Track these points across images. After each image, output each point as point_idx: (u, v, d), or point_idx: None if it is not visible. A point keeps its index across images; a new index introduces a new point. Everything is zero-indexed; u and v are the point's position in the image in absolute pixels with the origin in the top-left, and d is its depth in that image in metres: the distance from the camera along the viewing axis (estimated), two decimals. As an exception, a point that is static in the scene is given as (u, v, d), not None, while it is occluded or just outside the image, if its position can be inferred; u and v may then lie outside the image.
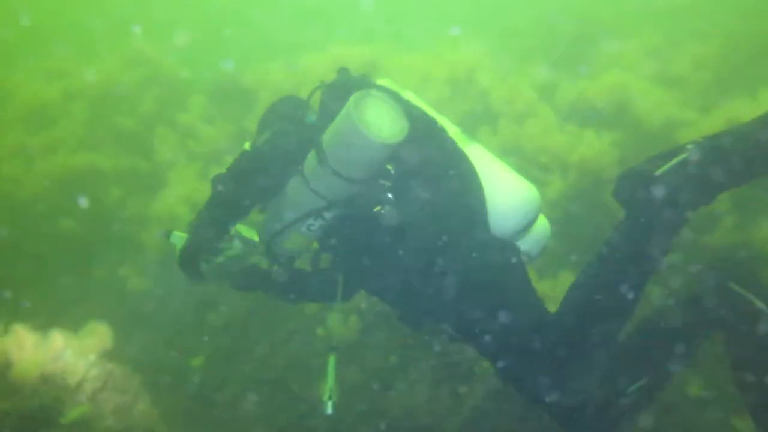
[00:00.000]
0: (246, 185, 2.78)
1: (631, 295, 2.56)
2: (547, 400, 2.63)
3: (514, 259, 2.71)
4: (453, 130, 2.81)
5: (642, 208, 2.51)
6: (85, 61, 7.42)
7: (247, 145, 2.93)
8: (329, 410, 2.69)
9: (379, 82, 2.93)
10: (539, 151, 4.59)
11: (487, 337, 2.65)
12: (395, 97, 2.66)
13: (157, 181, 5.95)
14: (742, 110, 4.52)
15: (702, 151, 2.48)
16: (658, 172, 2.49)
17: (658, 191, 2.47)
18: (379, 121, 2.50)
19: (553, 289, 4.31)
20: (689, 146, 2.51)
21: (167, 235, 3.08)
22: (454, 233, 2.63)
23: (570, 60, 6.62)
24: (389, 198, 2.66)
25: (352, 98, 2.51)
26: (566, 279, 4.34)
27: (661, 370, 2.71)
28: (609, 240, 2.61)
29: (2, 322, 4.33)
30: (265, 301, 4.79)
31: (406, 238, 2.65)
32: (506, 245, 2.70)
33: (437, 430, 4.09)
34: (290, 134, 2.82)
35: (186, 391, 4.62)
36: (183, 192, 5.59)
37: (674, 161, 2.50)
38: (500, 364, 2.73)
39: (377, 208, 2.64)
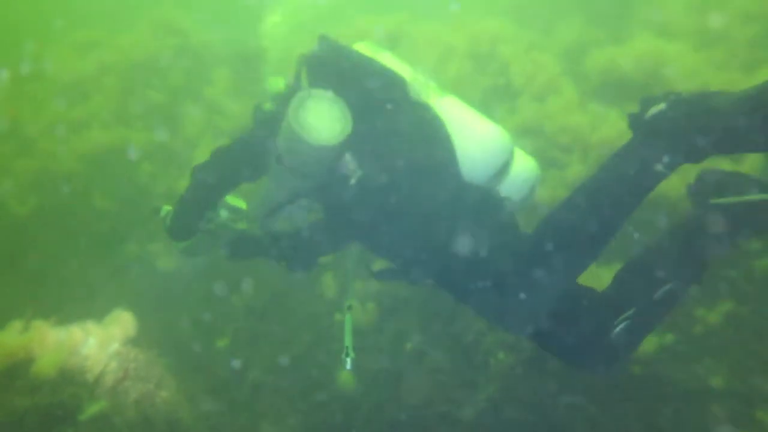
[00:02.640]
0: (218, 177, 3.11)
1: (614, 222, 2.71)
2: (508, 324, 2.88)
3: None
4: (425, 86, 2.94)
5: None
6: (117, 31, 7.42)
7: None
8: (348, 366, 2.93)
9: (356, 46, 3.09)
10: (560, 131, 4.43)
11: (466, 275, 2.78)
12: (356, 59, 2.87)
13: (185, 158, 6.00)
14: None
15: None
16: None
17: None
18: (319, 124, 2.64)
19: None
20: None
21: (158, 210, 3.37)
22: (427, 187, 2.74)
23: (605, 20, 6.28)
24: (354, 171, 2.79)
25: (292, 103, 2.67)
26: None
27: (648, 300, 2.73)
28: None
29: (32, 308, 4.54)
30: (286, 284, 4.88)
31: (382, 204, 2.77)
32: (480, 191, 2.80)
33: (454, 418, 4.13)
34: (242, 145, 3.09)
35: (210, 373, 4.76)
36: (207, 171, 5.60)
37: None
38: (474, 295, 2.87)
39: (350, 182, 2.77)
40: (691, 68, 4.93)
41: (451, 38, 5.23)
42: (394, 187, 2.74)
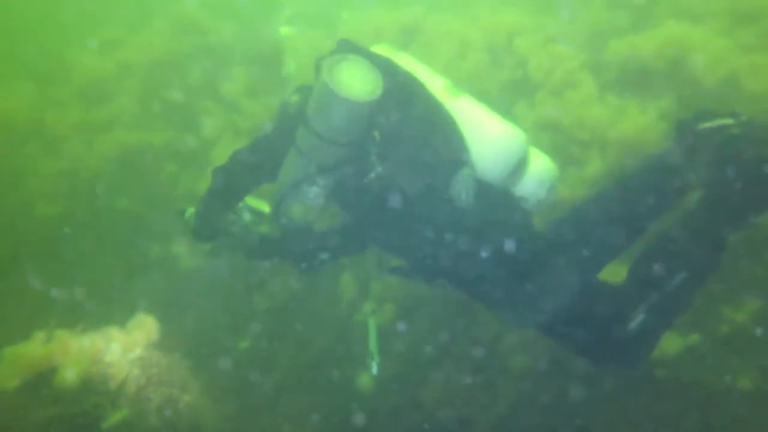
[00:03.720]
0: (237, 179, 3.14)
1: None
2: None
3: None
4: (441, 85, 2.94)
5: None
6: (137, 29, 7.44)
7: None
8: (375, 371, 3.03)
9: (375, 48, 3.10)
10: (578, 126, 4.33)
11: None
12: (375, 59, 2.83)
13: (205, 158, 6.02)
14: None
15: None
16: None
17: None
18: (352, 82, 2.65)
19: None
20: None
21: (182, 213, 3.41)
22: (441, 187, 2.73)
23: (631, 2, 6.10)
24: (375, 164, 2.82)
25: (325, 62, 2.68)
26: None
27: (663, 291, 2.69)
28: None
29: (57, 312, 4.63)
30: (306, 285, 4.88)
31: (398, 199, 2.79)
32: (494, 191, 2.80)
33: (474, 423, 4.10)
34: (261, 146, 3.13)
35: (233, 374, 4.80)
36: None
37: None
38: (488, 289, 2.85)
39: (369, 176, 2.81)
40: (716, 55, 4.77)
41: (467, 32, 5.12)
42: (407, 186, 2.77)
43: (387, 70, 2.83)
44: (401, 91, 2.82)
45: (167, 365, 4.36)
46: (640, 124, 4.13)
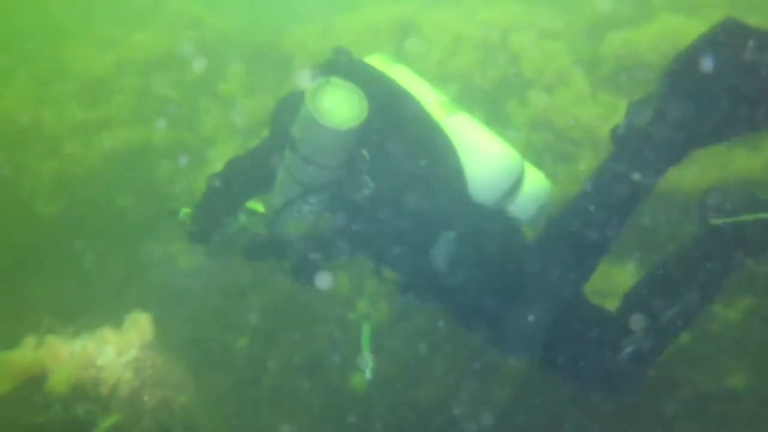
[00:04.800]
0: (231, 190, 3.15)
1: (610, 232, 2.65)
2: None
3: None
4: (436, 101, 2.91)
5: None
6: (135, 26, 7.44)
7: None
8: (368, 375, 2.98)
9: (369, 59, 3.11)
10: (569, 125, 4.30)
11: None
12: (365, 74, 2.84)
13: (202, 156, 6.03)
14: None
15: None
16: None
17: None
18: (335, 107, 2.60)
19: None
20: None
21: (176, 213, 3.43)
22: (434, 206, 2.73)
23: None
24: (367, 181, 2.78)
25: (310, 88, 2.63)
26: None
27: (655, 322, 2.67)
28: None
29: (52, 310, 4.63)
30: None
31: (390, 217, 2.78)
32: (488, 212, 2.77)
33: (466, 421, 4.11)
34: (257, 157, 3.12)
35: (230, 373, 4.83)
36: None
37: None
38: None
39: (360, 195, 2.79)
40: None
41: (462, 27, 5.09)
42: (399, 204, 2.74)
43: (377, 89, 2.80)
44: (390, 112, 2.80)
45: (162, 366, 4.34)
46: (631, 121, 4.08)
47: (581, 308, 2.81)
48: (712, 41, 2.42)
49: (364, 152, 2.78)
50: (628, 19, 5.31)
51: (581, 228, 2.66)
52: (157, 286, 5.56)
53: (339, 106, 2.61)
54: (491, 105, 4.68)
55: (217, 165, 5.67)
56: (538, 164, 4.58)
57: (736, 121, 2.44)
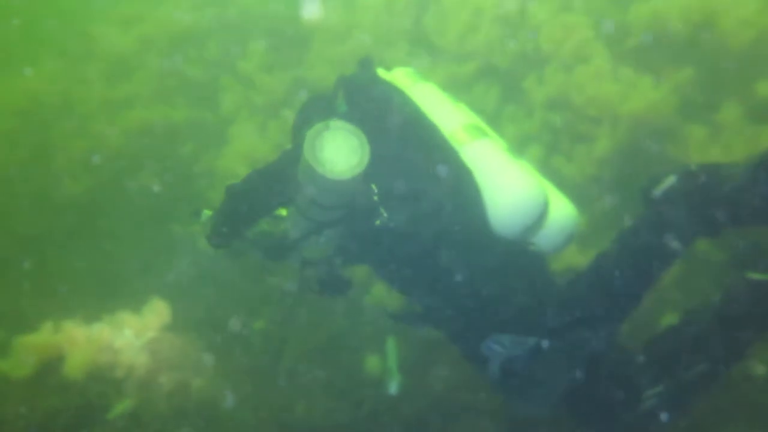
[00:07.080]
0: (251, 206, 3.05)
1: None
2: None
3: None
4: (460, 124, 2.78)
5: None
6: (159, 3, 7.42)
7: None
8: (393, 390, 3.07)
9: (397, 72, 3.04)
10: (589, 102, 4.14)
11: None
12: (380, 102, 2.82)
13: (223, 136, 6.02)
14: None
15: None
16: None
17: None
18: (334, 158, 2.57)
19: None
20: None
21: (198, 214, 3.39)
22: (450, 241, 2.66)
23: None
24: (381, 212, 2.72)
25: (307, 136, 2.59)
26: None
27: (680, 377, 2.62)
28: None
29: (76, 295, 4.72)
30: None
31: (405, 246, 2.73)
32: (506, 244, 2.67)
33: (478, 407, 4.08)
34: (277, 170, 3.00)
35: (248, 354, 4.85)
36: (243, 149, 5.63)
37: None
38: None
39: (377, 222, 2.72)
40: (744, 17, 4.49)
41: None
42: (415, 236, 2.69)
43: (398, 112, 2.76)
44: (401, 144, 2.75)
45: (180, 348, 4.41)
46: (651, 99, 3.93)
47: (606, 363, 2.73)
48: None
49: (373, 186, 2.72)
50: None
51: (610, 289, 2.61)
52: (180, 267, 5.59)
53: (339, 154, 2.57)
54: (509, 83, 4.54)
55: (235, 147, 5.77)
56: (555, 145, 4.50)
57: None
